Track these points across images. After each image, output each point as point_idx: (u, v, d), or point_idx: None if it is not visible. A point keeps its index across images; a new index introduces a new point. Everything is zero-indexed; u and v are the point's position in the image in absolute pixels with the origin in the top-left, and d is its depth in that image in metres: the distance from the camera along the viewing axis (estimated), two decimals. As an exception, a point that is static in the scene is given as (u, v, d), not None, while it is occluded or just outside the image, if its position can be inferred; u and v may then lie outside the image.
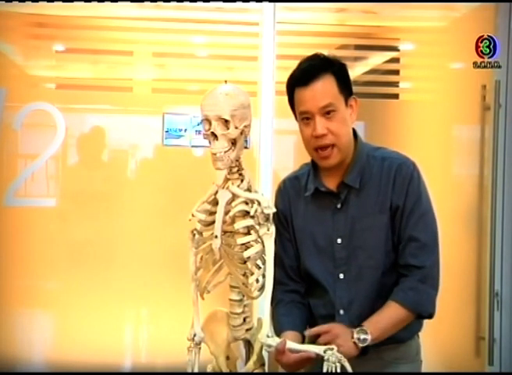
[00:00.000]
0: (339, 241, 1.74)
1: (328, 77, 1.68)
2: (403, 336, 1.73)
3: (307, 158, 1.83)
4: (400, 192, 1.71)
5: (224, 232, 1.58)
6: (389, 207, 1.71)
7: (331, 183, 1.77)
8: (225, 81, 1.55)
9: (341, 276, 1.74)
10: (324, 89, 1.67)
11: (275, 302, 1.74)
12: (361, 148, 1.77)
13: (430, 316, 1.72)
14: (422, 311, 1.69)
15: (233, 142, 1.51)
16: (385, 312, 1.66)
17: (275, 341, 1.55)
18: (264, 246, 1.57)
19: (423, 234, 1.71)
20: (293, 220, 1.82)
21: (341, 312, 1.74)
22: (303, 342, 1.64)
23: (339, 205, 1.75)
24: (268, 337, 1.54)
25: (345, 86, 1.71)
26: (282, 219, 1.82)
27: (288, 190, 1.85)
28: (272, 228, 1.57)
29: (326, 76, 1.67)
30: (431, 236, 1.73)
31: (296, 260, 1.82)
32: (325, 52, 1.76)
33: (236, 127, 1.50)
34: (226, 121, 1.49)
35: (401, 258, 1.71)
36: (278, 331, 1.68)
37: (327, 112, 1.66)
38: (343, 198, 1.75)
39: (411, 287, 1.68)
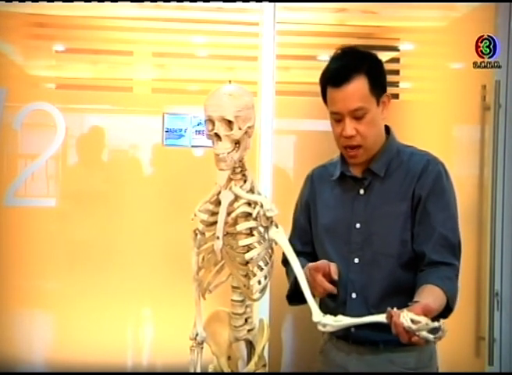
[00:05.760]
0: (357, 226, 1.75)
1: (361, 79, 1.67)
2: None
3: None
4: (423, 183, 1.71)
5: (226, 233, 1.57)
6: (410, 196, 1.71)
7: (357, 170, 1.79)
8: (230, 81, 1.54)
9: (356, 260, 1.75)
10: (355, 92, 1.67)
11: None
12: (392, 141, 1.79)
13: (448, 314, 1.62)
14: (453, 305, 1.62)
15: (237, 143, 1.51)
16: (432, 295, 1.55)
17: (330, 318, 1.52)
18: (265, 248, 1.57)
19: (452, 234, 1.71)
20: (316, 205, 1.85)
21: (353, 295, 1.74)
22: None
23: (361, 191, 1.77)
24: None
25: (377, 85, 1.71)
26: (303, 206, 1.89)
27: (314, 177, 1.91)
28: (280, 227, 1.58)
29: (358, 77, 1.67)
30: (459, 237, 1.74)
31: (307, 247, 1.87)
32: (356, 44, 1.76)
33: (240, 128, 1.50)
34: (230, 122, 1.48)
35: (432, 254, 1.67)
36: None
37: (357, 114, 1.68)
38: (367, 184, 1.76)
39: (449, 277, 1.64)
